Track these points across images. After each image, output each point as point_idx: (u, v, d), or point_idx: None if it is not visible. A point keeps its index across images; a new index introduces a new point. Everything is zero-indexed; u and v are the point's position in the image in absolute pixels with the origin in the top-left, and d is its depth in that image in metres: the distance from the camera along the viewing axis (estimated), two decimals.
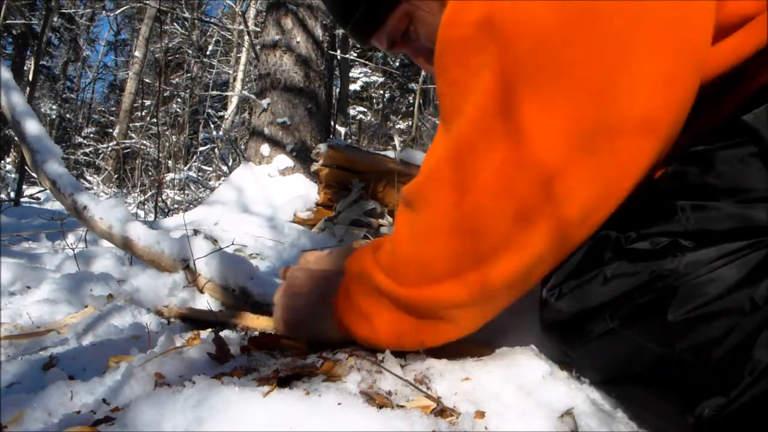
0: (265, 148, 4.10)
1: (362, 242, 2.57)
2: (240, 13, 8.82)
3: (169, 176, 6.74)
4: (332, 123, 5.27)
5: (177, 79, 14.29)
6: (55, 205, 5.60)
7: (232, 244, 2.16)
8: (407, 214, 0.65)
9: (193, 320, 1.29)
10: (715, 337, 0.50)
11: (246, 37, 9.46)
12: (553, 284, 0.65)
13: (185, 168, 7.58)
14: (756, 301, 0.49)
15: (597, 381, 0.63)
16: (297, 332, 0.81)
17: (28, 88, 8.39)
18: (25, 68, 13.79)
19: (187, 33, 13.21)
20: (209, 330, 1.13)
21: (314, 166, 3.03)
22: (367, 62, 13.37)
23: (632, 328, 0.56)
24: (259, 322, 1.15)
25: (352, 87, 15.48)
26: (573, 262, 0.62)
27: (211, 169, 8.72)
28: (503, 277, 0.58)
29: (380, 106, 17.18)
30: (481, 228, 0.57)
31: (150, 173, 8.34)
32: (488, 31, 0.53)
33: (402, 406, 0.58)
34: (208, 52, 14.44)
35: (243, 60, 11.58)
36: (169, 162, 7.58)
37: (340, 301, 0.75)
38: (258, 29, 9.13)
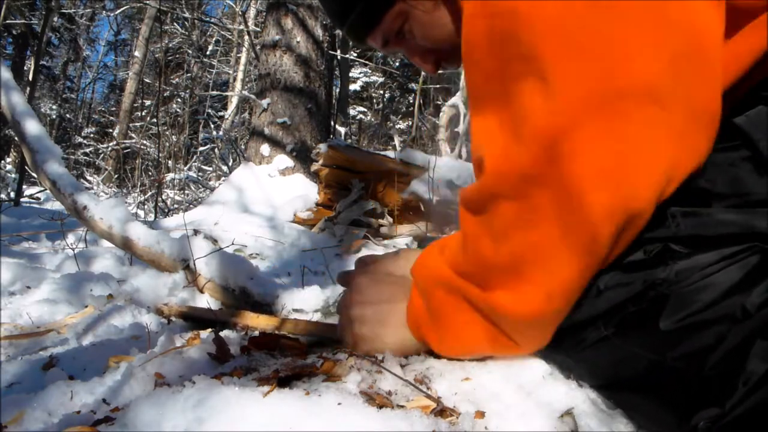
0: (265, 148, 4.10)
1: (363, 242, 2.55)
2: (240, 13, 8.83)
3: (169, 176, 6.75)
4: (332, 123, 5.27)
5: (177, 79, 14.29)
6: (55, 205, 5.61)
7: (232, 244, 2.16)
8: (478, 218, 0.61)
9: (193, 319, 1.29)
10: (706, 345, 0.50)
11: (246, 37, 9.47)
12: None
13: (185, 168, 7.59)
14: (747, 308, 0.48)
15: (595, 386, 0.63)
16: (373, 346, 0.74)
17: (28, 88, 8.39)
18: (25, 68, 13.78)
19: (187, 33, 13.22)
20: (209, 330, 1.13)
21: (314, 166, 3.02)
22: (367, 62, 13.36)
23: (625, 336, 0.56)
24: (259, 322, 1.15)
25: (352, 87, 15.48)
26: None
27: (211, 169, 8.73)
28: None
29: (380, 106, 17.18)
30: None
31: (150, 173, 8.34)
32: (513, 17, 0.53)
33: (402, 406, 0.58)
34: (208, 52, 14.45)
35: (243, 60, 11.58)
36: (169, 162, 7.58)
37: (415, 309, 0.71)
38: (258, 29, 9.13)
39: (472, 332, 0.65)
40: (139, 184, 8.01)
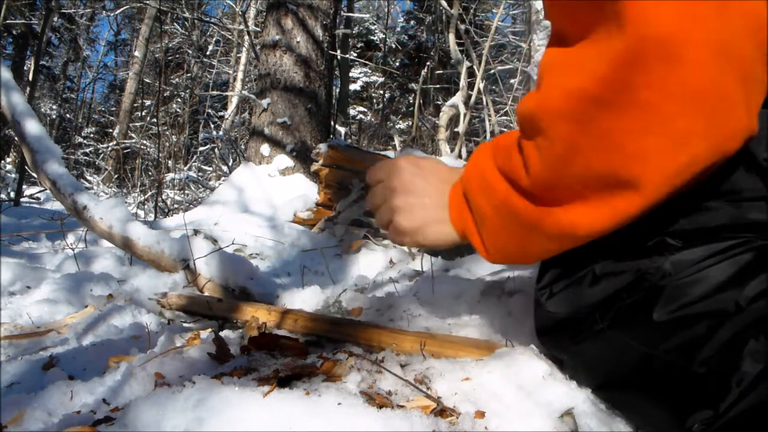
0: (265, 148, 4.10)
1: (363, 242, 2.54)
2: (240, 13, 8.82)
3: (169, 176, 6.75)
4: (332, 123, 5.27)
5: (177, 79, 14.28)
6: (55, 205, 5.61)
7: (232, 244, 2.16)
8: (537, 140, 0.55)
9: (193, 312, 1.28)
10: (698, 337, 0.50)
11: (246, 37, 9.47)
12: (544, 284, 0.65)
13: (185, 168, 7.59)
14: (740, 303, 0.49)
15: (590, 386, 0.63)
16: (414, 239, 0.72)
17: (28, 88, 8.39)
18: (25, 68, 13.79)
19: (187, 33, 13.21)
20: (209, 330, 1.13)
21: (314, 166, 3.03)
22: (367, 62, 13.36)
23: (620, 328, 0.56)
24: (259, 314, 1.15)
25: (352, 87, 15.47)
26: (563, 261, 0.62)
27: (211, 169, 8.73)
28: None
29: (380, 106, 17.18)
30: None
31: (150, 173, 8.34)
32: None
33: (402, 406, 0.58)
34: (208, 52, 14.44)
35: (243, 60, 11.57)
36: (169, 162, 7.58)
37: (460, 211, 0.68)
38: (258, 29, 9.13)
39: (518, 243, 0.61)
40: (139, 184, 8.01)
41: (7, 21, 10.86)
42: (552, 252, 0.61)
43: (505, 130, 8.42)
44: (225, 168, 7.49)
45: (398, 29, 17.93)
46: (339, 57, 5.78)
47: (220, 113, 13.73)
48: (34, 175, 2.57)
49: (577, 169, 0.52)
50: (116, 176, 9.95)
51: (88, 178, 9.93)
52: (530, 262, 0.65)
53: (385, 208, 0.75)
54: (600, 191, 0.51)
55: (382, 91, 16.77)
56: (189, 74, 13.41)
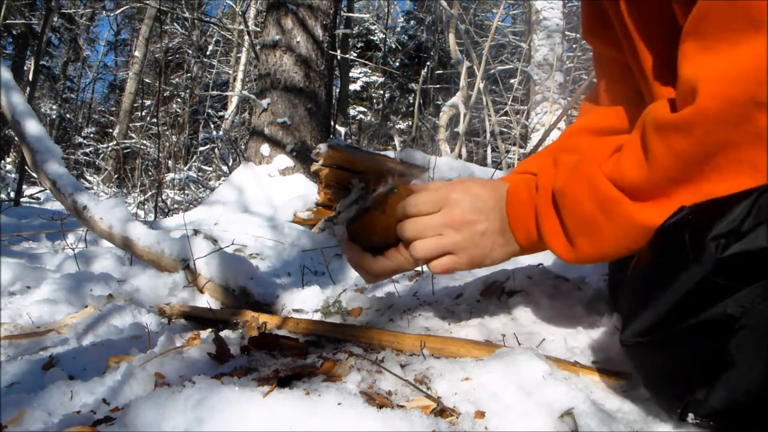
0: (265, 148, 4.10)
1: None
2: (240, 13, 8.82)
3: (169, 176, 6.75)
4: (332, 123, 5.27)
5: (177, 79, 14.28)
6: (55, 205, 5.61)
7: (232, 244, 2.16)
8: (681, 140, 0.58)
9: (195, 318, 1.29)
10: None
11: (246, 37, 9.47)
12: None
13: (185, 168, 7.59)
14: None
15: (636, 329, 0.59)
16: (482, 264, 0.75)
17: (28, 88, 8.40)
18: (25, 68, 13.79)
19: (187, 33, 13.21)
20: (209, 330, 1.13)
21: (314, 166, 3.03)
22: (367, 62, 13.36)
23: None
24: (261, 319, 1.15)
25: (352, 87, 15.47)
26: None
27: (211, 169, 8.74)
28: None
29: (380, 106, 17.18)
30: None
31: (150, 173, 8.34)
32: None
33: (402, 406, 0.58)
34: (208, 52, 14.45)
35: (243, 60, 11.58)
36: (169, 162, 7.58)
37: (526, 218, 0.72)
38: (258, 29, 9.13)
39: (620, 243, 0.64)
40: (139, 184, 8.02)
41: (7, 21, 10.87)
42: (641, 244, 0.63)
43: (505, 130, 8.42)
44: (225, 168, 7.50)
45: (398, 29, 17.93)
46: (339, 57, 5.78)
47: (220, 113, 13.74)
48: (34, 175, 2.57)
49: (720, 160, 0.56)
50: (116, 176, 9.96)
51: (88, 178, 9.93)
52: (610, 259, 0.68)
53: (439, 243, 0.75)
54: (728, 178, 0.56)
55: (382, 91, 16.77)
56: (189, 74, 13.41)
